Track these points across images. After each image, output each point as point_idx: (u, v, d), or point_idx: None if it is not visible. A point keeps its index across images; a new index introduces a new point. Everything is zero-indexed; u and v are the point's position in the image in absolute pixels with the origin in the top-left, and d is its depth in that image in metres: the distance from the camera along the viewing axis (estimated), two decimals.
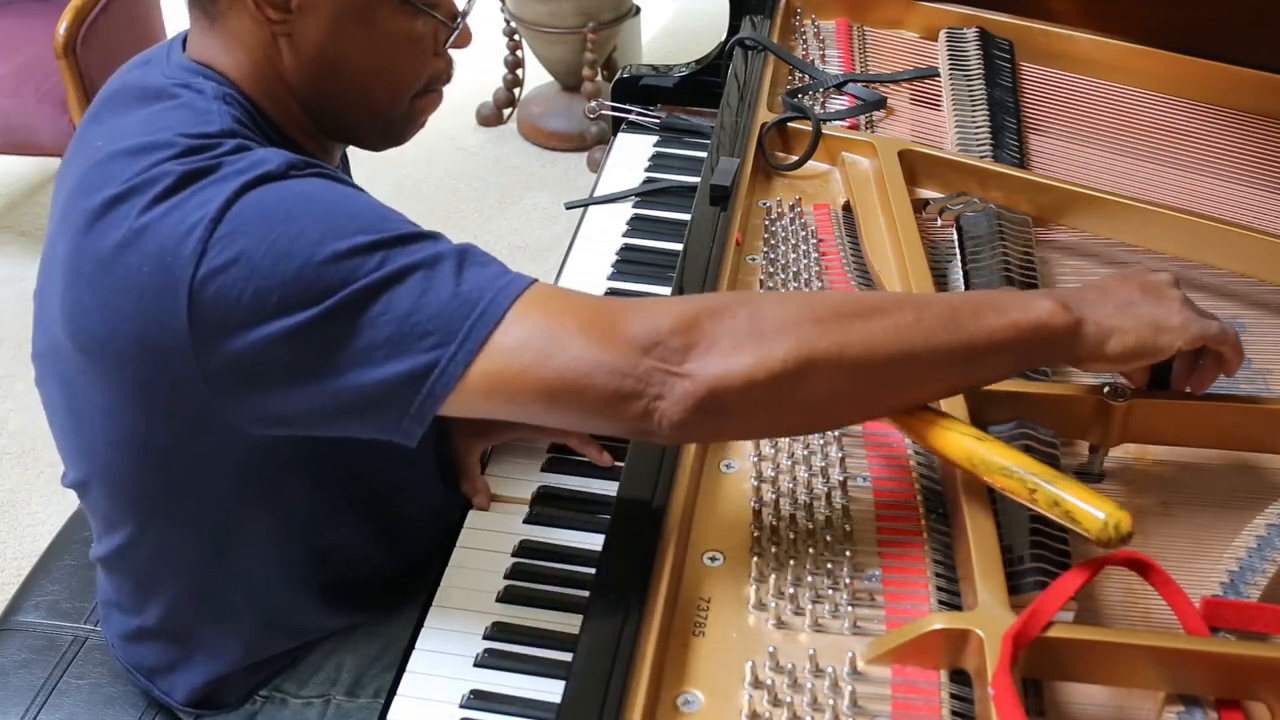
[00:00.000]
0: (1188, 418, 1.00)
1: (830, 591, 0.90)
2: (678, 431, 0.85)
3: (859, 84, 1.52)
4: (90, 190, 0.91)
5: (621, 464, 1.06)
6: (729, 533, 0.95)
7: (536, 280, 0.88)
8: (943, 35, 1.58)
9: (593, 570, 1.01)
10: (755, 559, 0.92)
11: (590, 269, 1.47)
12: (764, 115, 1.43)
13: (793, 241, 1.27)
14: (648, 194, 1.61)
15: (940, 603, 0.89)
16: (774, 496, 0.97)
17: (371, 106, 1.05)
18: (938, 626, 0.82)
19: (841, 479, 0.98)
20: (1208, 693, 0.81)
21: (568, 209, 1.68)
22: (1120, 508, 0.81)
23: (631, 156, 1.69)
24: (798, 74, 1.56)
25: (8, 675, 1.22)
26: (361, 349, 0.84)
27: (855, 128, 1.44)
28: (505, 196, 3.10)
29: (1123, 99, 1.52)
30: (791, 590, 0.89)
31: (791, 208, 1.32)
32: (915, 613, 0.88)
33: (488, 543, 1.13)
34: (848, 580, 0.90)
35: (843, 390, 0.86)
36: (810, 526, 0.95)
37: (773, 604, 0.88)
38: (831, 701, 0.81)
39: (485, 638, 1.04)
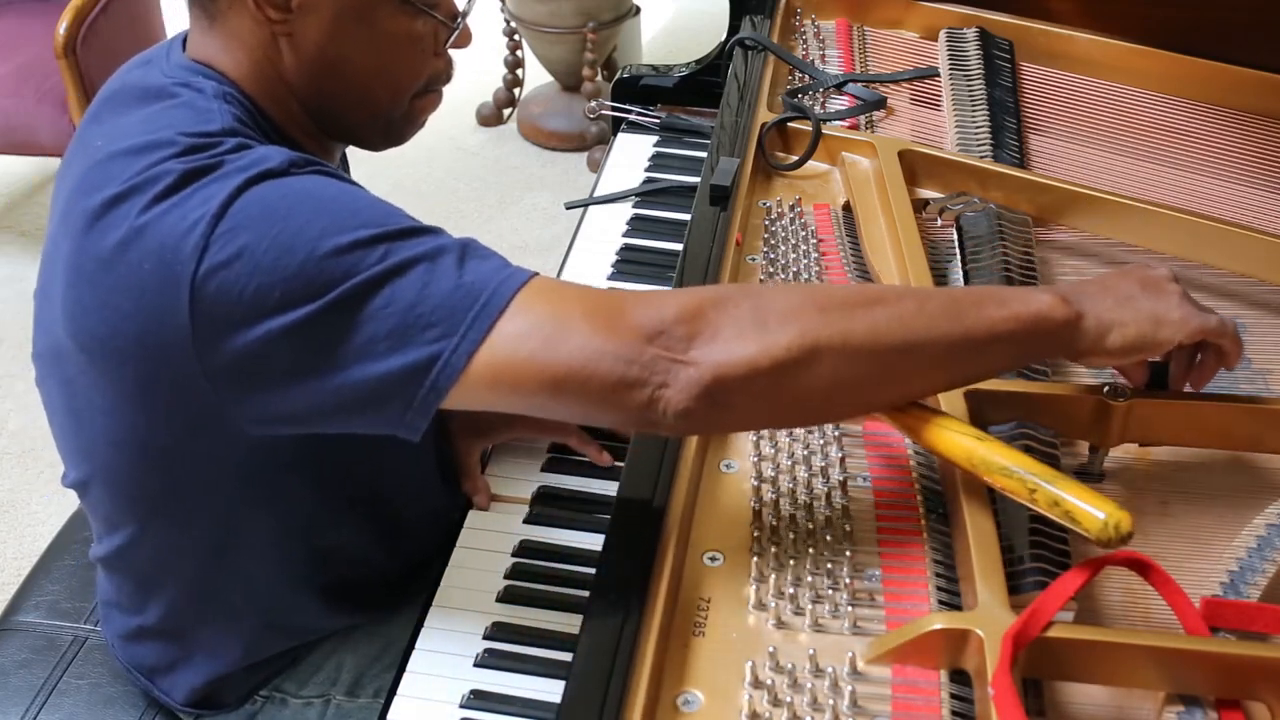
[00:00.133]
0: (1188, 418, 1.00)
1: (830, 591, 0.90)
2: (682, 421, 0.85)
3: (859, 84, 1.52)
4: (91, 190, 0.91)
5: (621, 464, 1.06)
6: (729, 533, 0.95)
7: (538, 273, 0.88)
8: (943, 35, 1.58)
9: (593, 570, 1.00)
10: (755, 559, 0.92)
11: (590, 269, 1.47)
12: (764, 115, 1.43)
13: (793, 241, 1.27)
14: (648, 194, 1.61)
15: (940, 603, 0.89)
16: (774, 496, 0.97)
17: (371, 106, 1.05)
18: (938, 626, 0.82)
19: (841, 479, 0.98)
20: (1208, 693, 0.81)
21: (568, 209, 1.68)
22: (1120, 508, 0.81)
23: (631, 156, 1.69)
24: (798, 74, 1.56)
25: (8, 675, 1.22)
26: (364, 343, 0.84)
27: (855, 128, 1.44)
28: (505, 196, 3.10)
29: (1123, 99, 1.52)
30: (791, 590, 0.89)
31: (791, 208, 1.32)
32: (915, 613, 0.88)
33: (488, 543, 1.13)
34: (848, 580, 0.90)
35: (845, 379, 0.86)
36: (810, 526, 0.95)
37: (773, 604, 0.88)
38: (831, 701, 0.81)
39: (485, 638, 1.04)
